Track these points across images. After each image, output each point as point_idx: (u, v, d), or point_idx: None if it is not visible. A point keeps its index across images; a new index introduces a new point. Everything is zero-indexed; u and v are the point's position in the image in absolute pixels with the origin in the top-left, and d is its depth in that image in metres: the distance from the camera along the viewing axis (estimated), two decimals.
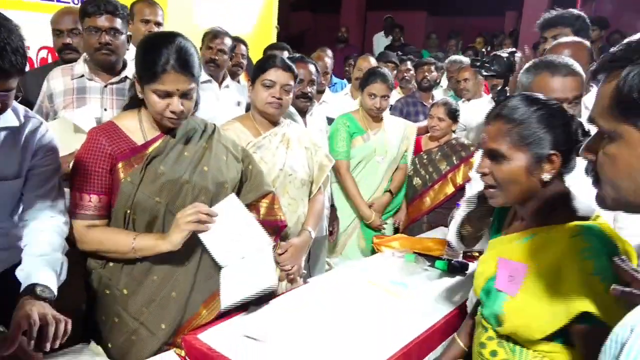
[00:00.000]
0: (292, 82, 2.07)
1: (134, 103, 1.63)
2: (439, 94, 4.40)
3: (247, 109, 2.30)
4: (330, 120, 3.09)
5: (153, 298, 1.55)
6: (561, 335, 1.11)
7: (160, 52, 1.45)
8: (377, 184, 2.97)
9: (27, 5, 2.93)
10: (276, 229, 1.88)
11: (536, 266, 1.13)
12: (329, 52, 4.02)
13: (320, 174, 2.24)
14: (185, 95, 1.50)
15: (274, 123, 2.13)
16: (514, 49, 3.38)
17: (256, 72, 2.07)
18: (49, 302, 1.29)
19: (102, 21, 2.18)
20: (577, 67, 1.64)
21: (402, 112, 3.90)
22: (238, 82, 3.61)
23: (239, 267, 1.63)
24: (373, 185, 2.95)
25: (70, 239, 1.56)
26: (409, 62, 4.48)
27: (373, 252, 2.63)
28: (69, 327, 1.25)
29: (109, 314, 1.57)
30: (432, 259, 2.25)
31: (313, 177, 2.22)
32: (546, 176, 1.16)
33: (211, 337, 1.53)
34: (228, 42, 3.15)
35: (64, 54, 2.53)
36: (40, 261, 1.40)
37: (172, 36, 1.51)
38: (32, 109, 1.71)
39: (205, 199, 1.59)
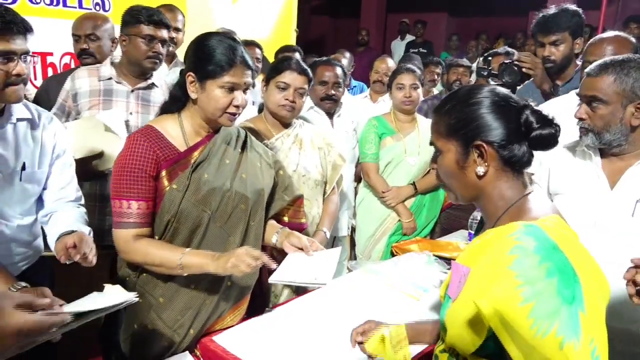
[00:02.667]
0: (306, 86, 2.06)
1: (171, 107, 1.58)
2: None
3: (260, 110, 2.29)
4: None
5: (189, 306, 1.54)
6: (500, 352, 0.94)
7: (229, 47, 1.47)
8: None
9: (51, 12, 2.99)
10: (298, 231, 1.87)
11: (475, 270, 0.99)
12: (347, 54, 4.00)
13: (334, 173, 2.23)
14: (245, 90, 1.52)
15: (286, 124, 2.12)
16: (508, 49, 3.31)
17: (271, 72, 2.07)
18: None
19: (157, 31, 2.22)
20: None
21: (427, 114, 3.86)
22: (254, 85, 3.62)
23: (305, 257, 1.60)
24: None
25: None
26: (432, 66, 4.41)
27: (393, 256, 2.59)
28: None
29: (142, 321, 1.55)
30: (451, 262, 2.21)
31: (327, 177, 2.21)
32: (479, 170, 1.05)
33: (227, 340, 1.52)
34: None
35: (81, 59, 2.58)
36: (70, 218, 1.61)
37: (228, 34, 1.55)
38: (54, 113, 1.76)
39: (245, 206, 1.58)
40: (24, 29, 1.42)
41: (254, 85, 3.66)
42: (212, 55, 1.46)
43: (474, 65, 4.31)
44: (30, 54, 1.46)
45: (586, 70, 1.61)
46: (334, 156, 2.25)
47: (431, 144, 1.14)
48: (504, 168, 1.06)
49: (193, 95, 1.50)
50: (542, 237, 0.93)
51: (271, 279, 1.50)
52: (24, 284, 1.22)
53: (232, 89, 1.47)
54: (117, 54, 2.78)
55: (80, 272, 1.60)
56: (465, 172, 1.08)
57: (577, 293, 0.88)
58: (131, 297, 1.19)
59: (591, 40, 2.13)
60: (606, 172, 1.61)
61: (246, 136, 1.71)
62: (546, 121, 1.05)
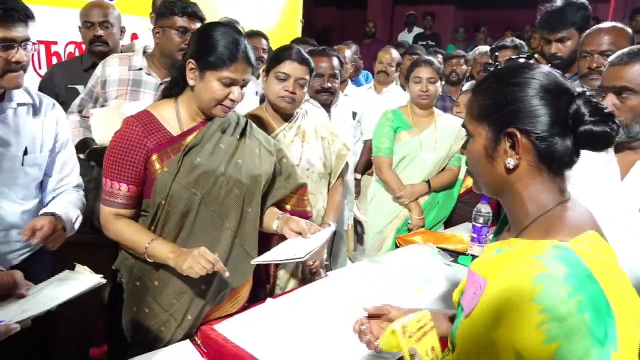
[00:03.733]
0: (307, 77, 2.02)
1: (171, 91, 1.61)
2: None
3: (261, 100, 2.27)
4: (354, 115, 3.04)
5: (184, 290, 1.55)
6: None
7: (233, 41, 1.47)
8: None
9: (55, 1, 2.98)
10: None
11: (491, 287, 0.86)
12: (353, 46, 3.96)
13: (338, 162, 2.21)
14: (243, 85, 1.52)
15: (287, 116, 2.09)
16: (516, 42, 3.26)
17: (271, 62, 2.03)
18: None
19: (192, 24, 2.21)
20: None
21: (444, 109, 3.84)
22: (258, 76, 3.61)
23: (301, 240, 1.62)
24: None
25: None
26: (439, 55, 4.39)
27: (397, 247, 2.58)
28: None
29: (140, 305, 1.57)
30: (455, 255, 2.20)
31: (331, 167, 2.19)
32: (509, 162, 0.90)
33: (227, 328, 1.52)
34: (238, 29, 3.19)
35: (93, 46, 2.55)
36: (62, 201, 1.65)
37: (234, 27, 1.55)
38: (58, 101, 1.77)
39: (239, 191, 1.59)
40: (25, 16, 1.42)
41: (258, 76, 3.67)
42: (215, 47, 1.47)
43: (470, 55, 4.30)
44: (31, 41, 1.46)
45: (610, 59, 1.55)
46: (339, 145, 2.22)
47: (463, 125, 1.01)
48: (540, 165, 0.90)
49: (191, 82, 1.52)
50: (574, 264, 0.79)
51: (252, 261, 1.55)
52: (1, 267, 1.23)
53: (230, 84, 1.48)
54: (125, 43, 2.78)
55: (82, 262, 1.61)
56: (493, 162, 0.93)
57: (609, 330, 0.75)
58: (97, 279, 1.28)
59: (588, 30, 2.09)
60: (619, 164, 1.57)
61: (246, 123, 1.71)
62: (602, 115, 0.87)
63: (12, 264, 1.61)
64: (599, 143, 0.89)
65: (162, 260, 1.47)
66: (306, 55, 2.04)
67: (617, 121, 0.88)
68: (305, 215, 1.86)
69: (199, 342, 1.53)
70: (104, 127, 2.03)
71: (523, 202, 0.93)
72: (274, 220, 1.71)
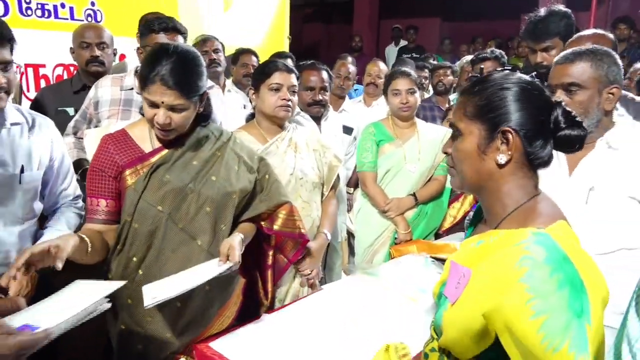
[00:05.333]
0: (296, 83, 2.07)
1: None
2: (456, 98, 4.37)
3: (248, 119, 2.27)
4: (348, 130, 3.04)
5: (156, 309, 1.51)
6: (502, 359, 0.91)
7: (154, 62, 1.44)
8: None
9: (43, 24, 2.99)
10: (297, 243, 1.87)
11: (477, 274, 0.95)
12: (350, 59, 4.00)
13: (330, 174, 2.22)
14: (173, 108, 1.47)
15: (280, 128, 2.11)
16: (496, 52, 3.30)
17: (259, 77, 2.05)
18: None
19: (168, 39, 2.23)
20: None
21: (418, 117, 3.86)
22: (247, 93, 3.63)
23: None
24: (403, 196, 2.69)
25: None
26: (426, 70, 4.45)
27: (391, 258, 2.58)
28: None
29: (118, 321, 1.57)
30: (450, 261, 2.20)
31: (324, 178, 2.21)
32: (501, 158, 1.00)
33: (223, 346, 1.50)
34: (218, 44, 3.26)
35: (90, 66, 2.55)
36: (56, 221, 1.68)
37: (175, 49, 1.47)
38: None
39: (210, 209, 1.57)
40: (5, 39, 1.42)
41: (248, 93, 3.67)
42: (141, 67, 1.51)
43: (457, 64, 4.35)
44: (13, 63, 1.46)
45: (556, 59, 1.65)
46: (330, 157, 2.23)
47: (451, 125, 1.09)
48: (524, 163, 1.01)
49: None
50: (552, 247, 0.89)
51: (146, 305, 1.32)
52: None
53: (151, 105, 1.47)
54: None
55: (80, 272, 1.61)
56: (484, 158, 1.02)
57: (585, 305, 0.85)
58: (114, 286, 1.21)
59: (571, 39, 2.15)
60: (567, 160, 1.66)
61: (229, 138, 1.70)
62: (575, 122, 1.00)
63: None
64: (574, 145, 1.02)
65: None
66: (291, 65, 2.08)
67: (586, 127, 1.02)
68: (296, 237, 1.83)
69: None
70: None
71: (501, 197, 1.03)
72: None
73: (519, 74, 1.06)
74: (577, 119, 1.01)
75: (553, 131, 1.01)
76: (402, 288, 1.93)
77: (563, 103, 1.03)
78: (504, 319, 0.86)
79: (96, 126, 2.30)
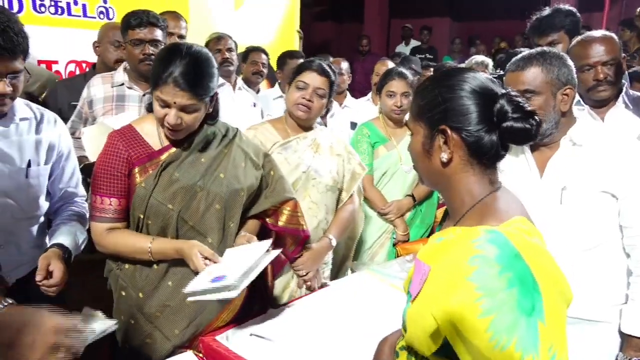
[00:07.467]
0: (325, 87, 2.02)
1: (151, 107, 1.62)
2: None
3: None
4: (353, 125, 3.06)
5: (167, 304, 1.55)
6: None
7: (167, 63, 1.45)
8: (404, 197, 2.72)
9: (56, 20, 3.04)
10: (298, 239, 1.86)
11: (434, 271, 0.93)
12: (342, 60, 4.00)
13: (352, 182, 2.17)
14: (184, 109, 1.48)
15: (306, 128, 2.10)
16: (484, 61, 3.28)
17: (293, 74, 2.07)
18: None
19: (145, 33, 2.24)
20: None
21: None
22: (258, 91, 3.64)
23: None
24: (400, 197, 2.69)
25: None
26: (430, 69, 4.44)
27: (397, 257, 2.58)
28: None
29: (125, 315, 1.59)
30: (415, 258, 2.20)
31: (343, 184, 2.16)
32: (443, 156, 0.99)
33: (229, 339, 1.53)
34: (231, 42, 3.25)
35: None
36: (65, 229, 1.64)
37: (188, 49, 1.47)
38: (62, 117, 1.81)
39: (220, 206, 1.59)
40: (9, 51, 1.35)
41: (258, 91, 3.69)
42: (154, 67, 1.50)
43: (466, 63, 4.32)
44: (20, 72, 1.41)
45: (507, 67, 1.66)
46: (354, 164, 2.19)
47: (406, 124, 1.12)
48: (471, 159, 1.00)
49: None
50: (504, 245, 0.87)
51: (185, 290, 1.41)
52: (10, 300, 1.15)
53: (164, 105, 1.47)
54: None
55: (82, 273, 1.65)
56: (430, 157, 1.03)
57: (536, 303, 0.84)
58: (110, 324, 1.28)
59: (578, 41, 2.12)
60: (537, 162, 1.67)
61: (235, 135, 1.71)
62: (523, 113, 0.96)
63: (19, 276, 1.63)
64: (519, 138, 0.99)
65: (170, 254, 1.50)
66: (328, 69, 2.04)
67: (537, 118, 0.98)
68: (298, 233, 1.84)
69: (201, 353, 1.54)
70: (96, 144, 2.04)
71: (458, 194, 1.02)
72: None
73: (464, 70, 1.05)
74: (527, 109, 0.97)
75: (497, 123, 0.97)
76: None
77: (513, 93, 0.99)
78: (452, 319, 0.85)
79: (92, 124, 2.31)
